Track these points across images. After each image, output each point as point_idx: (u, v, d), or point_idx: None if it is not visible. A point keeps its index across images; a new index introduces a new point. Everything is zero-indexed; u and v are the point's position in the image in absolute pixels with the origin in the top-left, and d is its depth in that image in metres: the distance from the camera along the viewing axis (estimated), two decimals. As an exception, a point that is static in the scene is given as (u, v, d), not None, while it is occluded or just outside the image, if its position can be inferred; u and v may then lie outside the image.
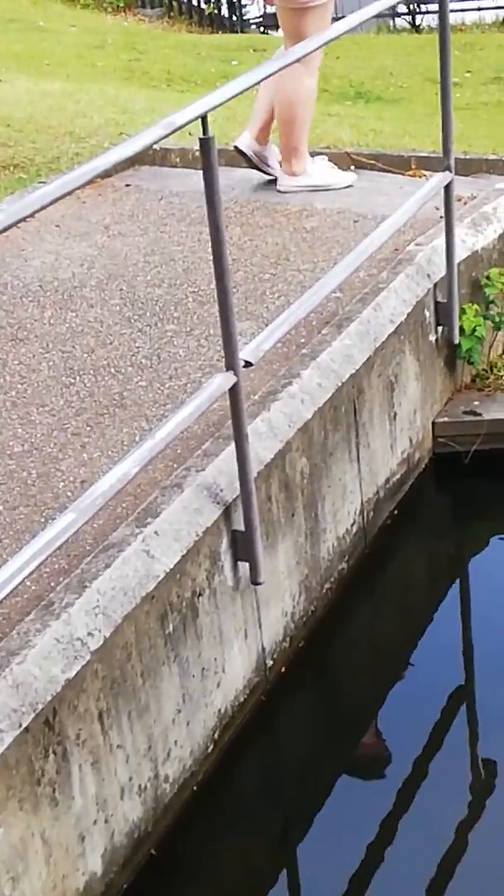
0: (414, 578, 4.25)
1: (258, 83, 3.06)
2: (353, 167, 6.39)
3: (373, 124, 7.40)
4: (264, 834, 3.27)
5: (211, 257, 3.00)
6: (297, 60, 3.24)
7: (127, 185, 5.35)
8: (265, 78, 3.08)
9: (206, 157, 2.86)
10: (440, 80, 4.07)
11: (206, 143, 2.84)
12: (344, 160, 6.42)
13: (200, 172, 2.95)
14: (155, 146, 5.60)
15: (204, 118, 2.81)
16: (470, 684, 3.83)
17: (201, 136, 2.84)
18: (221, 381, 3.05)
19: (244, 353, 3.14)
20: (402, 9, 12.14)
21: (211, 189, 2.89)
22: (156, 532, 3.02)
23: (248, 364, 3.14)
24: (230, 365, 3.07)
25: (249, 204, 5.03)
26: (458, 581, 4.32)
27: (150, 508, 3.10)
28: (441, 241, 4.26)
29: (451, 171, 4.14)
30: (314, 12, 4.72)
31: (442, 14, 4.02)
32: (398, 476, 4.23)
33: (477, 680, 3.84)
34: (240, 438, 3.13)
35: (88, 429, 3.56)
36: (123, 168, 5.55)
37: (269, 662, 3.50)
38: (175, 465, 3.32)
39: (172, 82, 9.20)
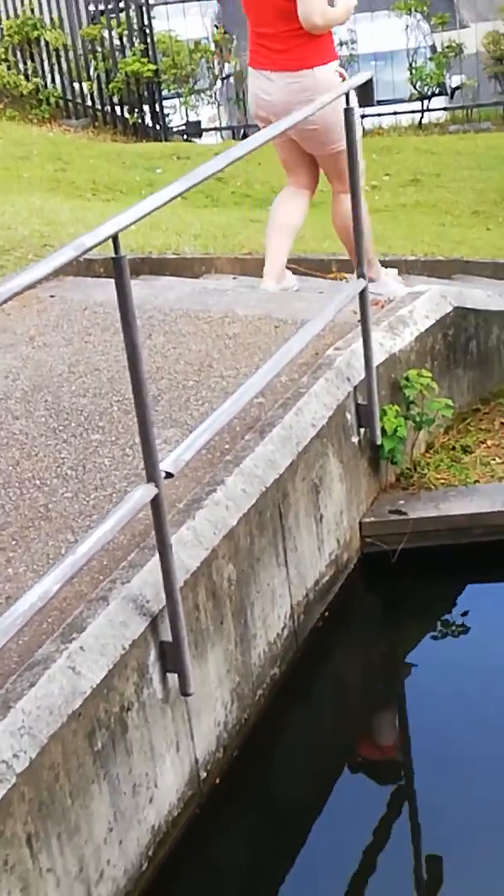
0: (347, 681, 4.25)
1: (169, 201, 3.12)
2: (275, 272, 6.51)
3: (294, 229, 7.56)
4: None
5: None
6: (182, 193, 3.27)
7: (51, 296, 5.40)
8: (177, 196, 3.14)
9: (119, 276, 2.91)
10: (351, 190, 4.19)
11: (118, 262, 2.89)
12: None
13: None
14: (80, 259, 5.71)
15: (115, 238, 2.87)
16: (409, 784, 3.82)
17: (113, 255, 2.89)
18: (143, 493, 3.06)
19: (165, 464, 3.16)
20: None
21: (125, 307, 2.94)
22: (81, 647, 2.99)
23: (169, 475, 3.16)
24: (151, 476, 3.09)
25: (172, 312, 5.10)
26: (390, 681, 4.33)
27: (75, 623, 3.08)
28: (359, 345, 4.35)
29: (364, 278, 4.24)
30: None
31: (347, 125, 4.15)
32: (327, 578, 4.25)
33: (416, 779, 3.83)
34: (164, 549, 3.14)
35: (14, 543, 3.54)
36: (47, 279, 5.61)
37: (203, 774, 3.47)
38: (101, 577, 3.31)
39: (98, 192, 9.38)
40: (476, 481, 4.62)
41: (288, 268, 6.38)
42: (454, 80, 13.08)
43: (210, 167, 3.37)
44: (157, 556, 3.19)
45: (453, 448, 4.86)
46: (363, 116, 11.18)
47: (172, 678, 3.26)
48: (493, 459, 4.74)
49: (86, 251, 2.82)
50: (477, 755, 3.74)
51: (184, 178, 3.28)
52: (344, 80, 4.87)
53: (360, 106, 4.29)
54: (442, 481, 4.65)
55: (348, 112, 4.12)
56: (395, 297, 5.01)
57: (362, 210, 4.21)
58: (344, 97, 4.12)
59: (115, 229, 2.89)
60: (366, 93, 10.56)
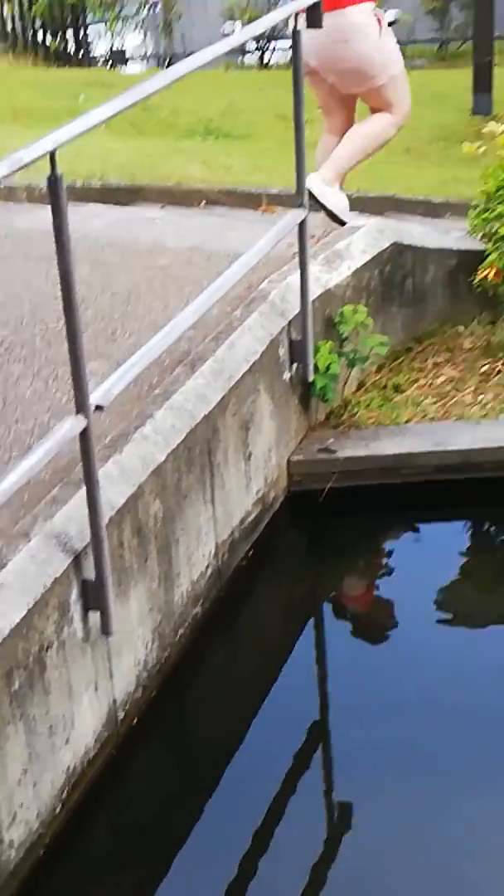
0: (269, 620, 4.18)
1: (108, 119, 2.96)
2: (204, 202, 6.37)
3: (223, 160, 7.39)
4: (118, 891, 3.14)
5: (60, 296, 2.88)
6: (123, 111, 3.10)
7: (-29, 221, 5.19)
8: (114, 115, 2.98)
9: (55, 196, 2.75)
10: (294, 117, 4.04)
11: (54, 181, 2.73)
12: (196, 196, 6.39)
13: (48, 208, 2.83)
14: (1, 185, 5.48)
15: (52, 155, 2.71)
16: (324, 723, 3.77)
17: (49, 174, 2.72)
18: (71, 426, 2.93)
19: (95, 397, 3.03)
20: (252, 45, 12.23)
21: (60, 229, 2.78)
22: (1, 584, 2.87)
23: (98, 408, 3.03)
24: (80, 408, 2.96)
25: (99, 240, 4.93)
26: (312, 621, 4.27)
27: (-6, 559, 2.96)
28: (295, 279, 4.23)
29: (305, 208, 4.11)
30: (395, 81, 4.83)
31: (294, 48, 4.00)
32: (253, 516, 4.16)
33: (331, 719, 3.79)
34: (91, 484, 3.02)
35: None
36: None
37: (121, 714, 3.38)
38: (22, 513, 3.18)
39: (18, 118, 9.05)
40: (407, 421, 4.56)
41: (217, 200, 6.22)
42: (390, 15, 12.82)
43: (144, 89, 3.19)
44: (83, 491, 3.07)
45: (385, 387, 4.78)
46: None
47: (94, 617, 3.15)
48: (425, 399, 4.67)
49: (22, 167, 2.65)
50: (393, 694, 3.72)
51: (118, 97, 3.10)
52: (381, 24, 4.75)
53: (310, 27, 4.11)
54: (372, 420, 4.58)
55: (296, 34, 3.95)
56: (342, 218, 4.87)
57: (303, 134, 4.04)
58: (294, 17, 3.95)
59: (52, 145, 2.73)
60: (314, 14, 10.33)
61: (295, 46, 3.99)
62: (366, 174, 7.60)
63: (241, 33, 3.87)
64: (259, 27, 3.96)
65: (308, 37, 4.43)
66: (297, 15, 3.98)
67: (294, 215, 4.11)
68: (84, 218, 5.22)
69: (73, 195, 5.94)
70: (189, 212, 5.79)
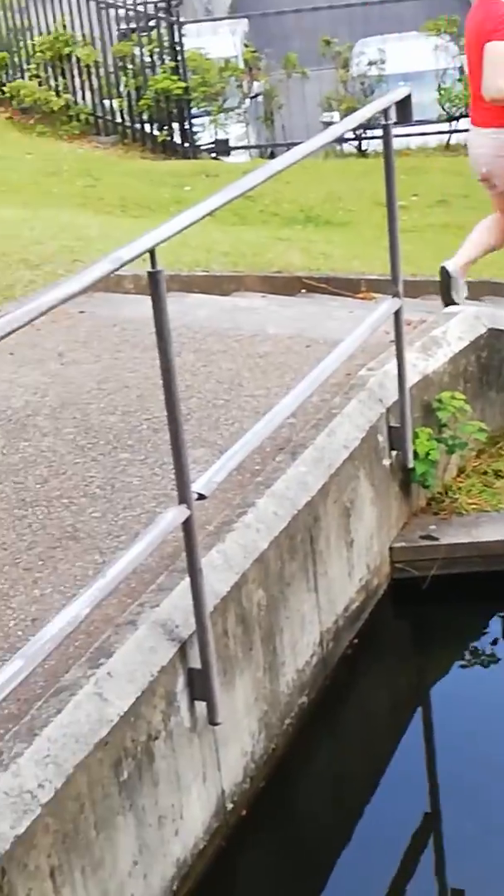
0: (376, 709, 4.15)
1: (206, 216, 3.06)
2: (304, 290, 6.47)
3: (322, 248, 7.52)
4: None
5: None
6: (219, 209, 3.23)
7: (81, 312, 5.34)
8: (212, 211, 3.07)
9: (155, 290, 2.84)
10: (387, 206, 4.11)
11: (154, 276, 2.82)
12: (295, 284, 6.50)
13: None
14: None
15: (152, 253, 2.80)
16: (436, 814, 3.72)
17: (149, 269, 2.82)
18: (174, 515, 2.98)
19: (197, 486, 3.08)
20: (349, 134, 12.45)
21: (160, 321, 2.87)
22: (109, 673, 2.91)
23: (201, 497, 3.08)
24: (183, 498, 3.01)
25: (202, 329, 5.03)
26: (419, 710, 4.22)
27: (102, 648, 3.00)
28: (392, 366, 4.26)
29: (399, 297, 4.16)
30: None
31: (386, 140, 4.09)
32: (357, 604, 4.15)
33: (443, 809, 3.73)
34: (194, 573, 3.06)
35: (41, 563, 3.47)
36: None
37: (230, 805, 3.37)
38: (129, 601, 3.23)
39: (127, 208, 9.34)
40: (509, 507, 4.52)
41: (316, 287, 6.31)
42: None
43: (245, 183, 3.30)
44: (187, 579, 3.11)
45: (485, 472, 4.76)
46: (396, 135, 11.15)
47: (200, 706, 3.17)
48: (527, 485, 4.64)
49: (123, 265, 2.75)
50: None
51: (219, 192, 3.21)
52: None
53: (399, 123, 4.23)
54: (474, 506, 4.55)
55: (386, 128, 4.05)
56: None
57: (397, 224, 4.11)
58: (384, 112, 4.05)
59: (152, 243, 2.82)
60: (404, 110, 10.49)
61: (386, 139, 4.07)
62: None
63: (338, 127, 3.97)
64: (354, 121, 4.06)
65: (478, 146, 5.24)
66: (386, 111, 4.06)
67: (389, 304, 4.15)
68: (188, 307, 5.35)
69: (178, 284, 6.11)
70: (289, 300, 5.88)
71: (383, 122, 4.05)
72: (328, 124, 10.28)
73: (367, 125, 11.92)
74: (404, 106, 4.15)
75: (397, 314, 4.20)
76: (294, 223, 8.88)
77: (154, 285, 2.86)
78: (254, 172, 3.43)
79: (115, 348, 4.91)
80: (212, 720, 3.17)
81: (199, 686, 3.13)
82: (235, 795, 3.39)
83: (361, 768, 3.88)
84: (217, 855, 3.31)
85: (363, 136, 12.18)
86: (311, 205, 9.31)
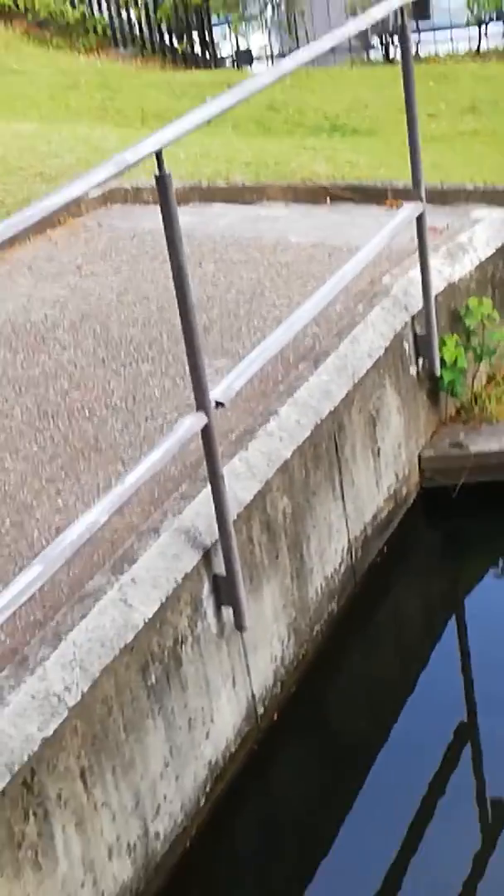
0: (407, 616, 4.15)
1: (214, 116, 2.98)
2: (328, 200, 6.35)
3: (348, 157, 7.36)
4: (265, 889, 3.15)
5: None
6: (228, 109, 3.10)
7: (99, 225, 5.28)
8: (220, 113, 2.99)
9: (164, 195, 2.77)
10: (406, 109, 4.01)
11: (162, 180, 2.75)
12: (319, 193, 6.38)
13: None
14: (127, 186, 5.57)
15: (158, 155, 2.73)
16: (472, 720, 3.72)
17: (156, 173, 2.75)
18: (192, 423, 2.96)
19: (215, 393, 3.05)
20: (376, 41, 12.17)
21: (170, 228, 2.81)
22: (133, 580, 2.91)
23: (219, 404, 3.05)
24: (201, 405, 2.99)
25: (223, 239, 4.97)
26: (452, 617, 4.21)
27: (126, 555, 3.00)
28: (417, 273, 4.19)
29: (422, 202, 4.07)
30: None
31: (403, 40, 3.96)
32: (385, 513, 4.13)
33: (479, 716, 3.73)
34: (215, 480, 3.04)
35: (63, 474, 3.46)
36: (95, 207, 5.50)
37: (260, 710, 3.39)
38: (152, 509, 3.23)
39: (146, 120, 9.18)
40: (539, 414, 4.46)
41: (341, 196, 6.20)
42: None
43: (254, 84, 3.20)
44: (209, 487, 3.09)
45: (515, 380, 4.69)
46: (418, 42, 10.86)
47: (227, 612, 3.17)
48: None
49: (127, 167, 2.69)
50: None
51: (227, 93, 3.12)
52: None
53: (416, 19, 4.09)
54: (504, 414, 4.50)
55: (403, 28, 3.93)
56: None
57: (417, 127, 4.01)
58: (399, 11, 3.92)
59: (158, 145, 2.76)
60: (419, 4, 10.16)
61: (403, 39, 3.95)
62: (494, 166, 7.50)
63: (349, 27, 3.83)
64: (365, 21, 3.93)
65: None
66: (402, 9, 3.93)
67: (412, 209, 4.06)
68: (209, 218, 5.28)
69: (198, 195, 6.01)
70: (313, 209, 5.77)
71: (400, 23, 3.93)
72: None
73: (392, 31, 11.67)
74: (419, 2, 3.96)
75: (420, 219, 4.11)
76: (319, 132, 8.70)
77: (162, 190, 2.79)
78: (263, 74, 3.33)
79: (134, 260, 4.85)
80: (239, 625, 3.18)
81: (225, 592, 3.13)
82: (266, 700, 3.41)
83: (394, 675, 3.88)
84: (249, 758, 3.34)
85: (391, 42, 11.89)
86: (337, 113, 9.11)
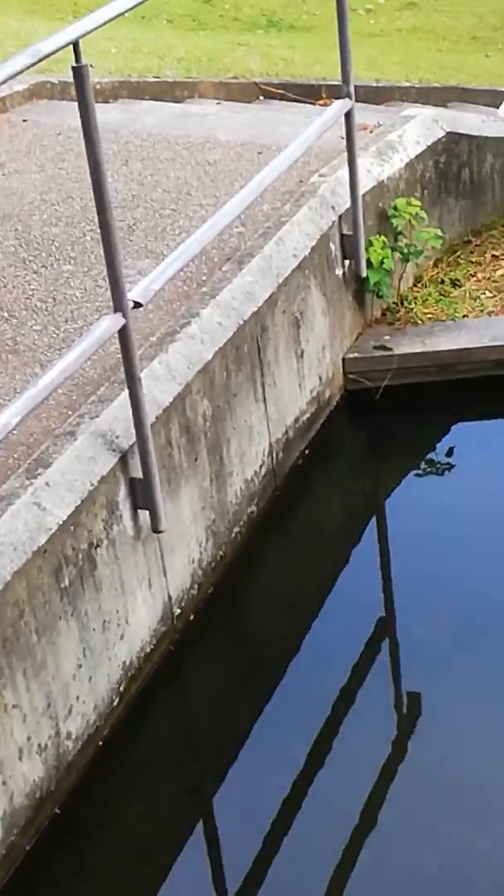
0: (329, 518, 4.18)
1: (135, 6, 2.88)
2: (261, 97, 6.23)
3: (283, 53, 7.22)
4: (177, 785, 3.20)
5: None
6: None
7: (24, 121, 5.14)
8: (141, 2, 2.90)
9: (80, 88, 2.70)
10: (336, 4, 3.91)
11: (78, 71, 2.67)
12: (252, 90, 6.26)
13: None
14: (54, 80, 5.41)
15: (76, 46, 2.64)
16: (390, 621, 3.77)
17: (73, 64, 2.67)
18: (109, 324, 2.92)
19: (133, 294, 3.01)
20: None
21: (88, 122, 2.73)
22: (47, 483, 2.90)
23: (137, 304, 3.01)
24: (118, 306, 2.94)
25: (151, 137, 4.86)
26: (373, 518, 4.25)
27: (41, 459, 2.98)
28: (346, 172, 4.13)
29: (350, 98, 4.00)
30: None
31: None
32: (308, 415, 4.13)
33: (398, 616, 3.79)
34: (132, 383, 3.01)
35: (-21, 376, 3.41)
36: (20, 102, 5.34)
37: (177, 611, 3.42)
38: (69, 413, 3.20)
39: (79, 13, 8.89)
40: (465, 316, 4.46)
41: (274, 93, 6.09)
42: None
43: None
44: (127, 390, 3.07)
45: (442, 282, 4.68)
46: None
47: (144, 515, 3.17)
48: (483, 293, 4.57)
49: (42, 58, 2.60)
50: (456, 592, 3.70)
51: (151, -19, 3.02)
52: None
53: None
54: (429, 316, 4.49)
55: None
56: None
57: (347, 22, 3.92)
58: None
59: (74, 35, 2.67)
60: None
61: None
62: (431, 63, 7.40)
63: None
64: None
65: None
66: None
67: (340, 106, 3.99)
68: (136, 114, 5.15)
69: (127, 90, 5.88)
70: (243, 106, 5.67)
71: None
72: None
73: None
74: None
75: (348, 116, 4.04)
76: (256, 28, 8.50)
77: (79, 81, 2.71)
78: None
79: (59, 157, 4.74)
80: (155, 528, 3.18)
81: (142, 495, 3.13)
82: (183, 601, 3.44)
83: (314, 576, 3.92)
84: (165, 658, 3.37)
85: None
86: (274, 9, 8.90)
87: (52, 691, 2.87)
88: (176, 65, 6.48)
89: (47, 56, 2.61)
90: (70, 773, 2.99)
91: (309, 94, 6.26)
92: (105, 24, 2.78)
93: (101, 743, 3.12)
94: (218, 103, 5.93)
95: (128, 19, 7.14)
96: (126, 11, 2.86)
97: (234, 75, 6.36)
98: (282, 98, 6.11)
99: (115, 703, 3.15)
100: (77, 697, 2.98)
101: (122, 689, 3.18)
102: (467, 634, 3.54)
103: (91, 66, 2.75)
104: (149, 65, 6.38)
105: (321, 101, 6.20)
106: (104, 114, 5.06)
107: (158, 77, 6.13)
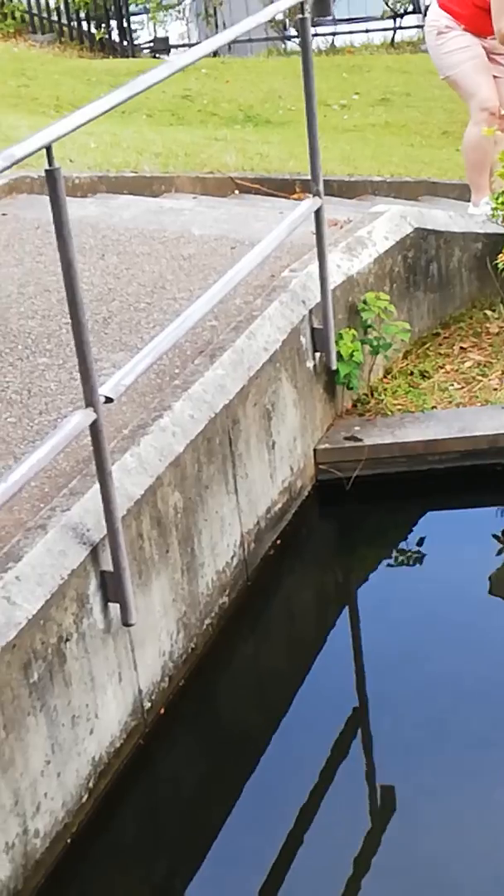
0: (299, 609, 4.19)
1: (108, 111, 2.97)
2: (237, 192, 6.37)
3: (259, 148, 7.39)
4: (146, 884, 3.17)
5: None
6: (121, 103, 3.10)
7: (3, 214, 5.24)
8: (114, 106, 2.99)
9: (53, 190, 2.77)
10: (306, 103, 4.03)
11: (51, 174, 2.75)
12: (228, 185, 6.40)
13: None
14: (34, 175, 5.52)
15: (49, 150, 2.72)
16: (363, 712, 3.77)
17: (46, 167, 2.75)
18: (80, 419, 2.96)
19: (105, 389, 3.05)
20: (293, 31, 12.18)
21: (60, 223, 2.81)
22: (17, 577, 2.91)
23: (109, 400, 3.05)
24: (89, 401, 2.98)
25: (127, 231, 4.95)
26: (345, 609, 4.27)
27: (11, 552, 2.99)
28: (316, 267, 4.22)
29: (320, 197, 4.10)
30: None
31: (302, 35, 3.99)
32: (279, 505, 4.17)
33: (370, 707, 3.78)
34: (103, 476, 3.04)
35: (-47, 468, 3.43)
36: (0, 196, 5.45)
37: (147, 704, 3.41)
38: (41, 505, 3.22)
39: (61, 108, 9.11)
40: (433, 407, 4.53)
41: (250, 188, 6.23)
42: (428, -2, 12.72)
43: (150, 78, 3.20)
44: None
45: (411, 373, 4.76)
46: (334, 33, 10.91)
47: (114, 608, 3.18)
48: (452, 385, 4.65)
49: (15, 162, 2.67)
50: (430, 682, 3.70)
51: (124, 87, 3.12)
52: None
53: (317, 16, 4.11)
54: (399, 407, 4.56)
55: (303, 21, 3.95)
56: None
57: (315, 122, 4.03)
58: (300, 5, 3.94)
59: (48, 139, 2.75)
60: (322, 4, 10.24)
61: (303, 34, 3.97)
62: (402, 158, 7.58)
63: (244, 23, 3.83)
64: (266, 15, 3.94)
65: None
66: (302, 4, 3.95)
67: (309, 204, 4.09)
68: (113, 209, 5.26)
69: (106, 185, 6.00)
70: (218, 201, 5.79)
71: (300, 16, 3.95)
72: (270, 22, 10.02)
73: (314, 22, 11.70)
74: (323, 1, 3.98)
75: (318, 213, 4.14)
76: (233, 123, 8.72)
77: (51, 184, 2.79)
78: (161, 66, 3.33)
79: (38, 251, 4.82)
80: (125, 621, 3.18)
81: (113, 588, 3.14)
82: (153, 694, 3.43)
83: (286, 667, 3.92)
84: (135, 753, 3.35)
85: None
86: (251, 104, 9.14)
87: (20, 788, 2.85)
88: (154, 159, 6.62)
89: (20, 160, 2.68)
90: (38, 872, 2.96)
91: (283, 188, 6.40)
92: (77, 128, 2.86)
93: (69, 840, 3.09)
94: (194, 198, 6.05)
95: (107, 114, 7.32)
96: (99, 115, 2.94)
97: (210, 170, 6.50)
98: (256, 192, 6.25)
99: (83, 800, 3.13)
100: (45, 794, 2.96)
101: (91, 784, 3.16)
102: (439, 722, 3.53)
103: (70, 160, 2.83)
104: (127, 159, 6.51)
105: (295, 196, 6.35)
106: (82, 208, 5.19)
107: (136, 172, 6.26)
